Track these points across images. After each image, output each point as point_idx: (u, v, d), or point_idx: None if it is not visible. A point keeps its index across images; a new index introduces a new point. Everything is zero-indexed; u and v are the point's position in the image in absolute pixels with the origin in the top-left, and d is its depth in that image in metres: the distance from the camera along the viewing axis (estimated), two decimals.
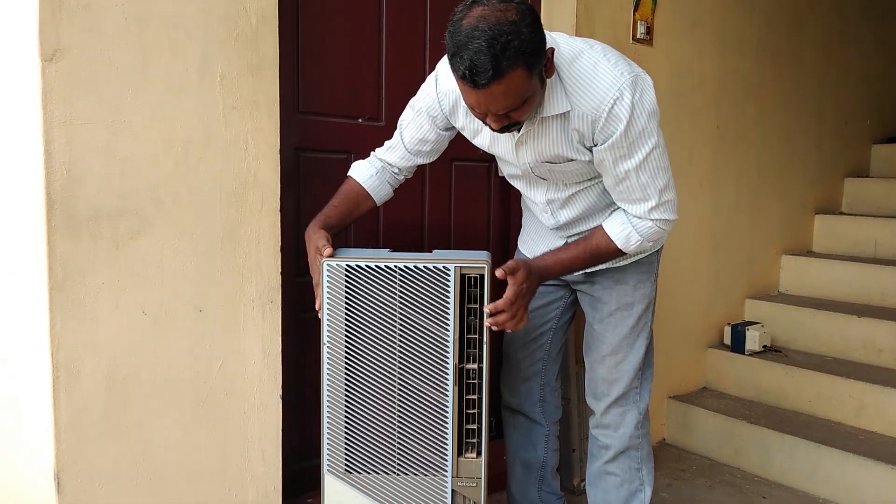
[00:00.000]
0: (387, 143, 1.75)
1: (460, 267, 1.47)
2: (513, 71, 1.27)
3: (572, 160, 1.55)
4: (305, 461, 2.09)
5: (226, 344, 1.70)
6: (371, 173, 1.71)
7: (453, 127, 1.68)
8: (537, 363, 1.91)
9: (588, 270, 1.73)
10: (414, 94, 1.72)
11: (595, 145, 1.50)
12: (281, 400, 1.80)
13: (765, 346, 3.11)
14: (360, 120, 2.13)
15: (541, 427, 1.95)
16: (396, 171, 1.74)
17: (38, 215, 1.44)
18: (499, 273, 1.47)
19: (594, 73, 1.43)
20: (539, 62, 1.32)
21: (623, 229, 1.57)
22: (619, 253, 1.59)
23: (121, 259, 1.53)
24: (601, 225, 1.60)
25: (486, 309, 1.46)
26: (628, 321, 1.73)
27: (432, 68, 2.24)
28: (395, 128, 1.73)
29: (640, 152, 1.47)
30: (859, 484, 2.40)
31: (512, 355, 1.92)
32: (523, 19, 1.27)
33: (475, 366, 1.51)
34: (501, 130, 1.42)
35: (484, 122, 1.42)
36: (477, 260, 1.49)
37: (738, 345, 3.10)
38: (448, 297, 1.47)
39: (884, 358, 2.90)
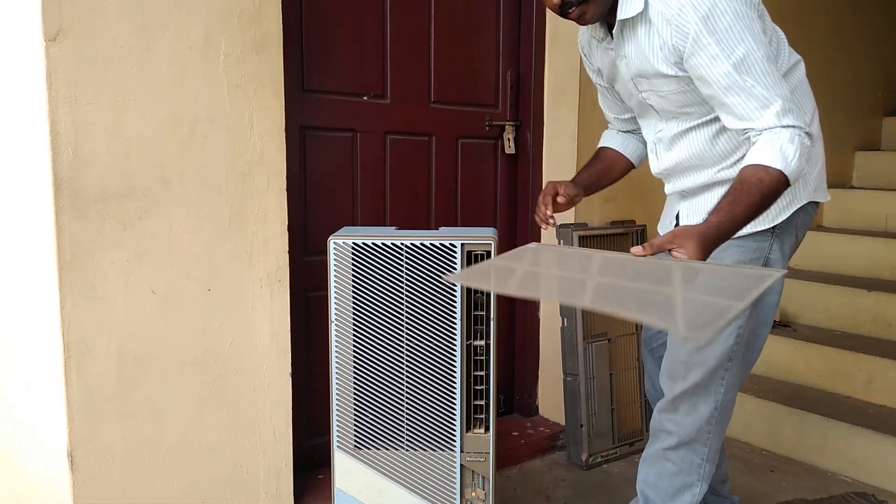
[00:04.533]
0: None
1: (466, 244, 1.47)
2: None
3: (664, 74, 1.47)
4: (316, 438, 2.11)
5: (235, 323, 1.71)
6: (614, 134, 1.80)
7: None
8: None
9: None
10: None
11: (682, 58, 1.41)
12: (290, 378, 1.82)
13: (774, 321, 3.10)
14: (365, 97, 2.12)
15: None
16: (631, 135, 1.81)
17: (45, 196, 1.45)
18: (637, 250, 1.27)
19: None
20: None
21: (772, 147, 1.32)
22: (782, 183, 1.32)
23: (129, 239, 1.54)
24: (746, 166, 1.34)
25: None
26: None
27: (437, 45, 2.23)
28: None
29: (737, 50, 1.33)
30: (868, 457, 2.41)
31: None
32: None
33: (482, 342, 1.52)
34: (562, 9, 1.39)
35: (555, 12, 1.40)
36: (483, 236, 1.49)
37: None
38: None
39: (893, 332, 2.88)
